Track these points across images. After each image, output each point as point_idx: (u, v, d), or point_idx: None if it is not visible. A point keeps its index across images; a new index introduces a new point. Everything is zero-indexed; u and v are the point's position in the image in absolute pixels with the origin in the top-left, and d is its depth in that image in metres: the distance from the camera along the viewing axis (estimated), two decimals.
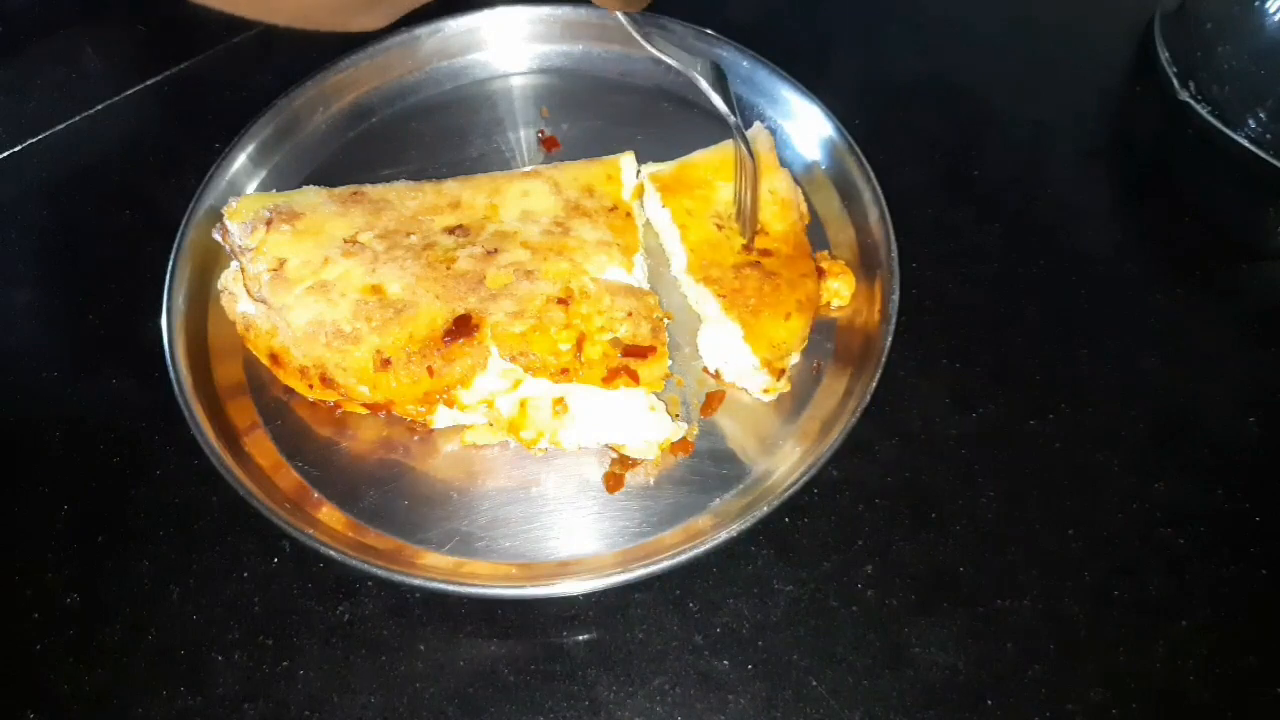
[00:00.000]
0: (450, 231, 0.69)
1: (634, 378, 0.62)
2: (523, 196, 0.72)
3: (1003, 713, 0.58)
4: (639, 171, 0.74)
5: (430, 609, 0.61)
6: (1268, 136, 0.80)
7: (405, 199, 0.72)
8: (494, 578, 0.60)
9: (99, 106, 0.86)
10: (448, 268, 0.66)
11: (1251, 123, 0.81)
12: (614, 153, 0.75)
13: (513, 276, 0.66)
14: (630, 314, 0.65)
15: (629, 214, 0.71)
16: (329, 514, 0.63)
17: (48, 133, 0.84)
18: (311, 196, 0.71)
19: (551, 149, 0.81)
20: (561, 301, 0.64)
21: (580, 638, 0.60)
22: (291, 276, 0.66)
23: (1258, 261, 0.79)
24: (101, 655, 0.60)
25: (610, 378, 0.62)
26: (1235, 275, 0.78)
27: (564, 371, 0.63)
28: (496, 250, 0.68)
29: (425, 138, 0.82)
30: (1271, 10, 0.78)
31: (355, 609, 0.61)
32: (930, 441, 0.68)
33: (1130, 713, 0.58)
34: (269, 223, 0.68)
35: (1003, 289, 0.76)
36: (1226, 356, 0.73)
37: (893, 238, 0.70)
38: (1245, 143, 0.81)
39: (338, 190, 0.72)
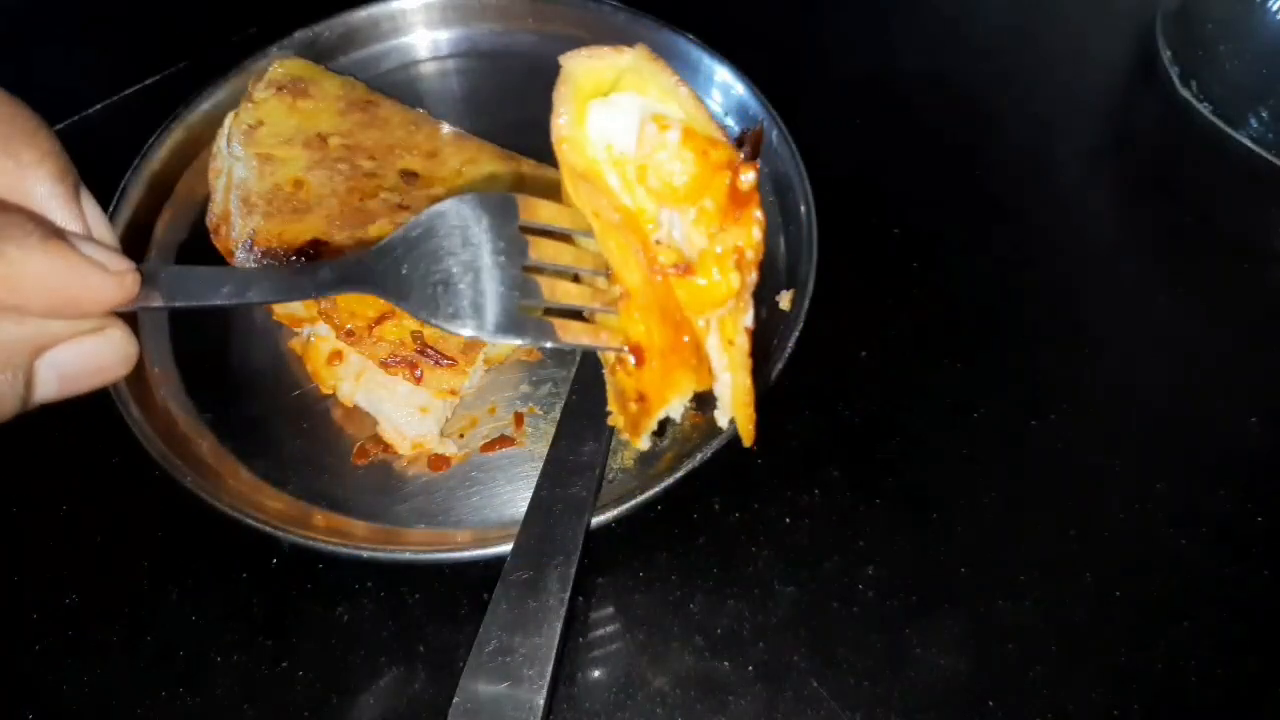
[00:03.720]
0: (404, 174, 0.71)
1: (416, 378, 0.63)
2: (486, 178, 0.72)
3: (1004, 713, 0.58)
4: None
5: (430, 609, 0.61)
6: (1269, 136, 0.80)
7: (399, 128, 0.74)
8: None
9: (97, 106, 0.86)
10: (360, 199, 0.68)
11: (1253, 122, 0.81)
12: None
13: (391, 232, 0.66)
14: None
15: None
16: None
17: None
18: (334, 87, 0.76)
19: None
20: None
21: (580, 639, 0.60)
22: (258, 138, 0.71)
23: (1258, 261, 0.79)
24: (101, 655, 0.60)
25: (392, 364, 0.63)
26: (1235, 275, 0.78)
27: (349, 334, 0.63)
28: (408, 208, 0.69)
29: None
30: (1273, 9, 0.78)
31: (354, 609, 0.61)
32: (931, 442, 0.68)
33: (1131, 713, 0.58)
34: (281, 88, 0.74)
35: (1003, 288, 0.76)
36: (1228, 357, 0.73)
37: (815, 241, 0.69)
38: (1247, 142, 0.81)
39: (359, 92, 0.76)
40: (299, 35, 0.82)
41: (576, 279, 0.52)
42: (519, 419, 0.67)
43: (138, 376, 0.66)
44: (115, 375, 0.42)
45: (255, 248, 0.66)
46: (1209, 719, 0.59)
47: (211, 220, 0.72)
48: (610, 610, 0.61)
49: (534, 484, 0.57)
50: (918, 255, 0.77)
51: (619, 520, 0.59)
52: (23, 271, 0.36)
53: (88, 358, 0.40)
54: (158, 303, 0.42)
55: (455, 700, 0.50)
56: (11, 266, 0.36)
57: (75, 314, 0.39)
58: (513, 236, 0.49)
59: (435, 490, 0.65)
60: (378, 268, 0.47)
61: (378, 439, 0.66)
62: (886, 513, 0.65)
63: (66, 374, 0.40)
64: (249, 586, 0.62)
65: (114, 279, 0.39)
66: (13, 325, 0.37)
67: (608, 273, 0.52)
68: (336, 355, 0.65)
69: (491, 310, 0.47)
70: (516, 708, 0.49)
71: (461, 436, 0.67)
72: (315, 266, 0.47)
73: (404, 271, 0.47)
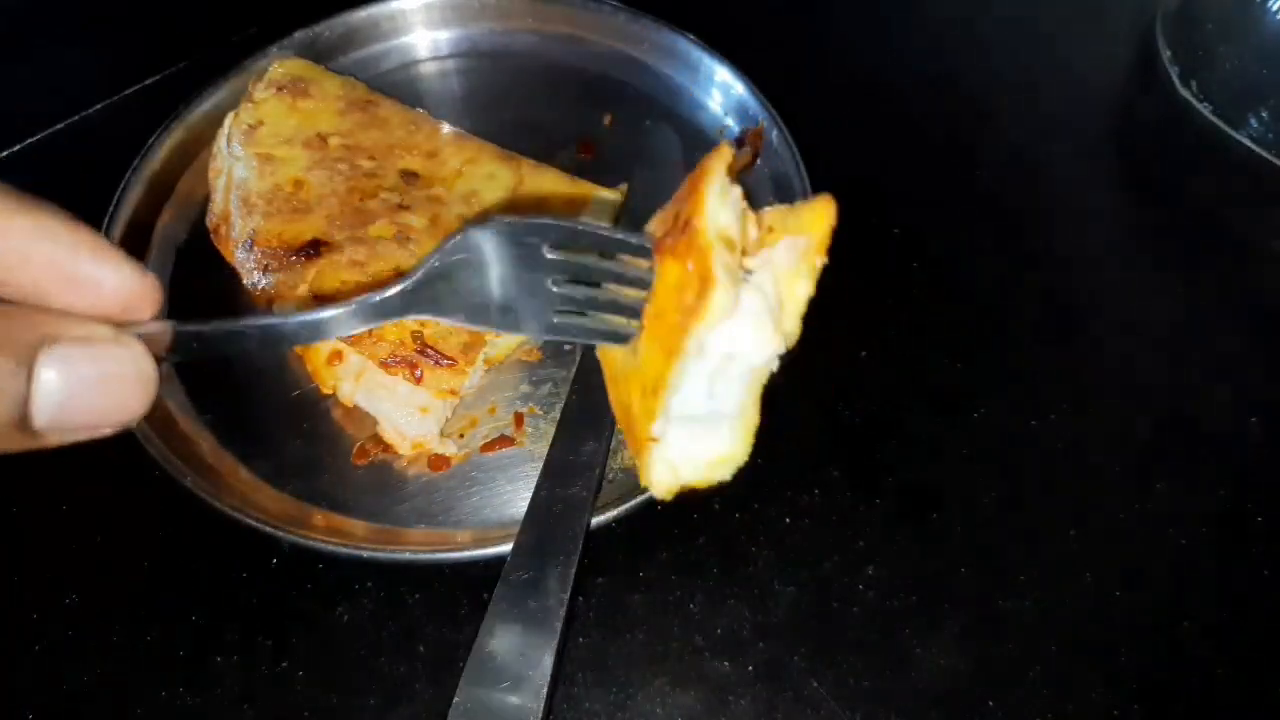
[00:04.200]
0: (404, 174, 0.71)
1: (416, 378, 0.63)
2: (486, 178, 0.72)
3: (1004, 713, 0.58)
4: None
5: (430, 609, 0.61)
6: (1269, 136, 0.80)
7: (399, 128, 0.74)
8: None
9: (97, 106, 0.86)
10: (360, 199, 0.69)
11: (1253, 122, 0.81)
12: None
13: (393, 233, 0.67)
14: None
15: None
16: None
17: (48, 131, 0.85)
18: (334, 86, 0.76)
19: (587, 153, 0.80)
20: (400, 273, 0.64)
21: (579, 640, 0.60)
22: (258, 138, 0.71)
23: (1258, 261, 0.79)
24: (101, 655, 0.60)
25: (392, 364, 0.63)
26: (1235, 275, 0.78)
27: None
28: (408, 208, 0.69)
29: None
30: (1273, 9, 0.78)
31: (354, 609, 0.61)
32: (931, 442, 0.68)
33: (1131, 713, 0.58)
34: (281, 88, 0.74)
35: (1003, 288, 0.76)
36: (1228, 356, 0.73)
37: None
38: (1247, 142, 0.81)
39: (359, 92, 0.77)
40: (299, 35, 0.82)
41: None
42: (519, 419, 0.67)
43: None
44: (131, 398, 0.38)
45: (255, 247, 0.66)
46: (1209, 719, 0.59)
47: (211, 220, 0.72)
48: (611, 610, 0.61)
49: (534, 484, 0.57)
50: (918, 255, 0.77)
51: (619, 520, 0.59)
52: (47, 239, 0.35)
53: (99, 362, 0.37)
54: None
55: (455, 700, 0.50)
56: (39, 224, 0.34)
57: (93, 298, 0.37)
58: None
59: (435, 490, 0.65)
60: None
61: (378, 439, 0.66)
62: (886, 513, 0.65)
63: (75, 377, 0.36)
64: (249, 586, 0.62)
65: (137, 271, 0.37)
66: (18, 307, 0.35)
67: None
68: (336, 355, 0.65)
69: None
70: (516, 708, 0.49)
71: (461, 436, 0.67)
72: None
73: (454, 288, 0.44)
